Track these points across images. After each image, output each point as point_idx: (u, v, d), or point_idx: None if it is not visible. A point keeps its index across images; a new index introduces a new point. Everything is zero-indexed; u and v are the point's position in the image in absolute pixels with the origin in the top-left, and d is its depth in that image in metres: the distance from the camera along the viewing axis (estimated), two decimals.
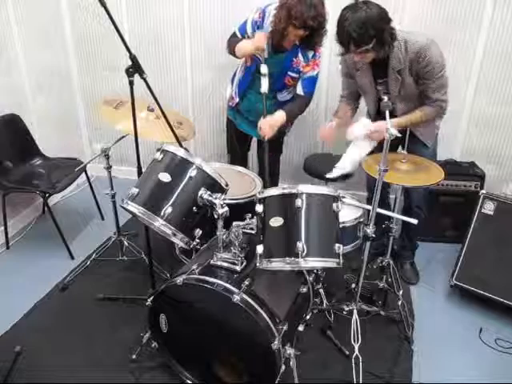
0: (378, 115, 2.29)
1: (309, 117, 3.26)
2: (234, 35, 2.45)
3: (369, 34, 1.87)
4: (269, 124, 2.31)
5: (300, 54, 2.33)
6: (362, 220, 2.02)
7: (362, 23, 1.85)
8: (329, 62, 2.94)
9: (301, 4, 2.10)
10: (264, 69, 2.23)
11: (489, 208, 2.23)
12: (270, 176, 2.49)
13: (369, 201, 2.72)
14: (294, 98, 2.50)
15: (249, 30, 2.38)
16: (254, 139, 2.83)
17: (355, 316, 1.96)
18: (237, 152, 2.87)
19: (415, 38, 2.01)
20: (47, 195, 2.66)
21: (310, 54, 2.34)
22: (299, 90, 2.44)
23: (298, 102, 2.47)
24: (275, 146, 2.69)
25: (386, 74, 2.13)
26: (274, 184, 2.86)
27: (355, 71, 2.23)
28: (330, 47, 2.55)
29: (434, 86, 2.08)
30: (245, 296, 1.61)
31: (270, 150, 2.44)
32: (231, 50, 2.42)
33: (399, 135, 1.72)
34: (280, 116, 2.36)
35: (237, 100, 2.60)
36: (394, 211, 2.18)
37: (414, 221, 1.83)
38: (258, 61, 2.35)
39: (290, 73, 2.39)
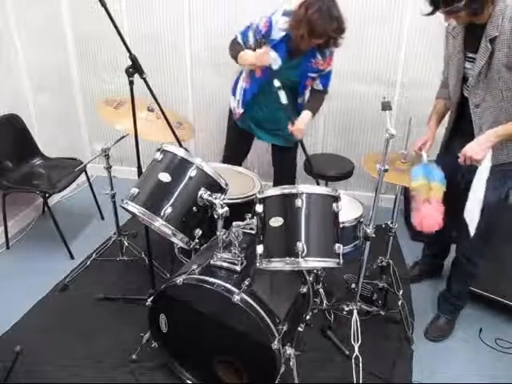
0: (459, 104, 1.95)
1: None
2: (236, 40, 2.38)
3: None
4: (300, 128, 2.33)
5: (318, 54, 2.29)
6: (362, 220, 2.02)
7: None
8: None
9: (322, 18, 2.03)
10: (277, 82, 2.19)
11: None
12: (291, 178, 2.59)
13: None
14: (311, 95, 2.48)
15: (251, 38, 2.29)
16: (256, 142, 2.80)
17: (355, 316, 1.97)
18: (235, 155, 2.83)
19: None
20: (47, 195, 2.66)
21: (327, 51, 2.30)
22: (317, 86, 2.44)
23: (319, 97, 2.48)
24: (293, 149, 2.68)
25: (479, 46, 1.77)
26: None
27: (451, 38, 1.90)
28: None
29: None
30: (245, 296, 1.60)
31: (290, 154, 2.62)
32: (233, 56, 2.34)
33: (394, 133, 1.61)
34: (306, 115, 2.40)
35: (240, 111, 2.52)
36: (394, 211, 2.19)
37: None
38: (268, 72, 2.25)
39: (310, 74, 2.36)
